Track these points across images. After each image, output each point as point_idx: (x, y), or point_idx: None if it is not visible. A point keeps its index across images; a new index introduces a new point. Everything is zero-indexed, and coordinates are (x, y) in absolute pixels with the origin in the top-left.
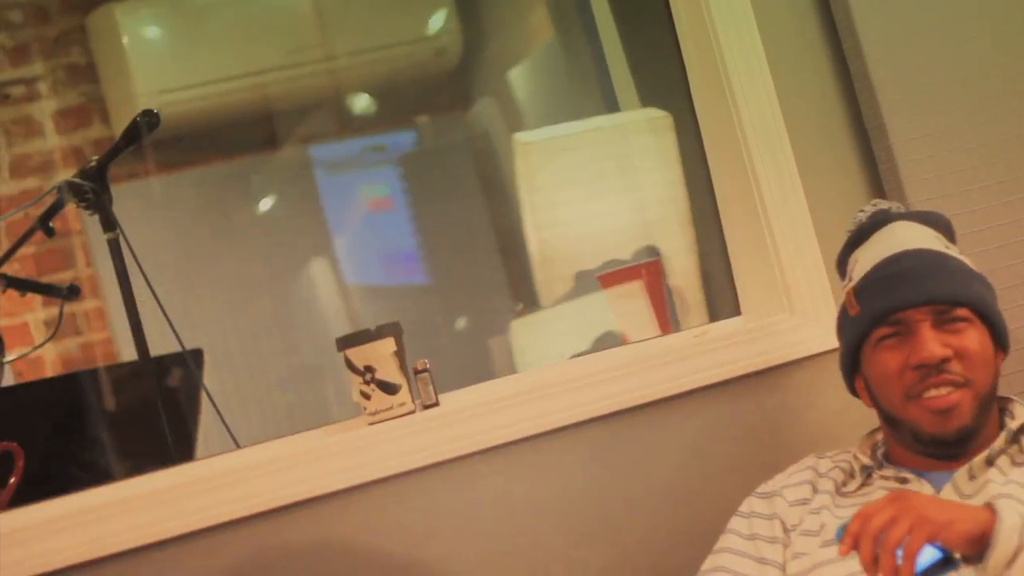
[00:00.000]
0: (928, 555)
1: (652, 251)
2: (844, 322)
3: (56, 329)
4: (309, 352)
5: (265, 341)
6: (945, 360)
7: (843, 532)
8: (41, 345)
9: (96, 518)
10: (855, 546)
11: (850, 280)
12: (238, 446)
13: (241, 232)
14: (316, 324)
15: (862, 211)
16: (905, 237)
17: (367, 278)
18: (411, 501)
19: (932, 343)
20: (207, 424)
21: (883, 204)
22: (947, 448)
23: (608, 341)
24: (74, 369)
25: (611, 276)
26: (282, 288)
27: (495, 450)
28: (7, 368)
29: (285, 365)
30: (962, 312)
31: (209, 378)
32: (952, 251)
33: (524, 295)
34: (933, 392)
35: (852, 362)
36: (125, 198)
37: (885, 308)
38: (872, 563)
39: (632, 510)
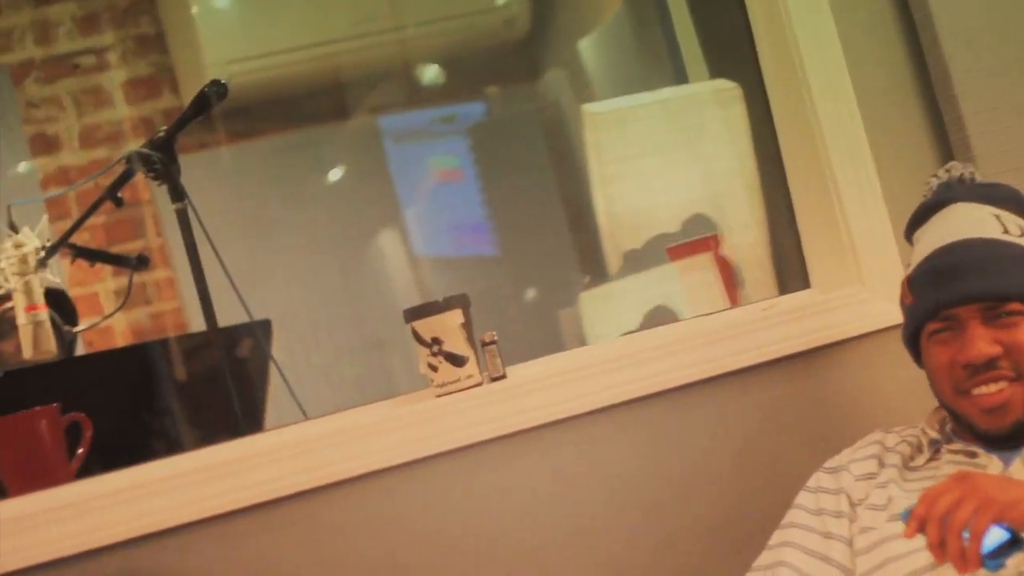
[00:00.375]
0: (995, 536)
1: (721, 223)
2: (903, 307)
3: (126, 299)
4: (377, 323)
5: (333, 312)
6: (995, 357)
7: (908, 515)
8: (111, 315)
9: (165, 489)
10: (921, 529)
11: (908, 264)
12: (306, 417)
13: (310, 202)
14: (384, 295)
15: (935, 176)
16: (961, 223)
17: (436, 249)
18: (478, 473)
19: (980, 342)
20: (275, 395)
21: (957, 169)
22: (1006, 442)
23: (677, 315)
24: (144, 339)
25: (680, 248)
26: (351, 259)
27: (563, 423)
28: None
29: (353, 336)
30: (1015, 306)
31: (277, 349)
32: (1011, 235)
33: (593, 267)
34: (983, 389)
35: (914, 348)
36: (194, 168)
37: (934, 304)
38: (939, 546)
39: (699, 484)
